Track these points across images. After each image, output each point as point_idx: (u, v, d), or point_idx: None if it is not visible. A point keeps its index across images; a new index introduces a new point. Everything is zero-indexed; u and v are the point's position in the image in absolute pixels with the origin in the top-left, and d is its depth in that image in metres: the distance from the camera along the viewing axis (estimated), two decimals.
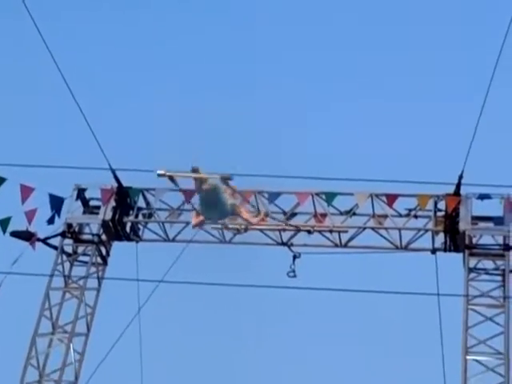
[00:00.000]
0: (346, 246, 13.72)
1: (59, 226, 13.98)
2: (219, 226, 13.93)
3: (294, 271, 13.33)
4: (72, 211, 14.10)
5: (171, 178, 11.14)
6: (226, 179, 11.08)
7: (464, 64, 20.86)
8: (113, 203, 14.05)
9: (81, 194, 14.23)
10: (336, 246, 13.72)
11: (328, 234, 13.71)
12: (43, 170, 12.06)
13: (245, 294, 12.03)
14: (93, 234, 14.06)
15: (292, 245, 13.78)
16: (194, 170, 11.23)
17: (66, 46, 20.36)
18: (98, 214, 14.07)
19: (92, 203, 14.33)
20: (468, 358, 12.39)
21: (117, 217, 14.03)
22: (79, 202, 14.25)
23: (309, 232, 13.60)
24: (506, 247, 12.83)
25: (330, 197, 13.65)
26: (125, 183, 14.12)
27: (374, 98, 21.28)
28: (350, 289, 10.75)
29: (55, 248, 13.95)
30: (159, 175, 10.88)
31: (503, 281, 12.75)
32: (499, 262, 12.89)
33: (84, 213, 14.24)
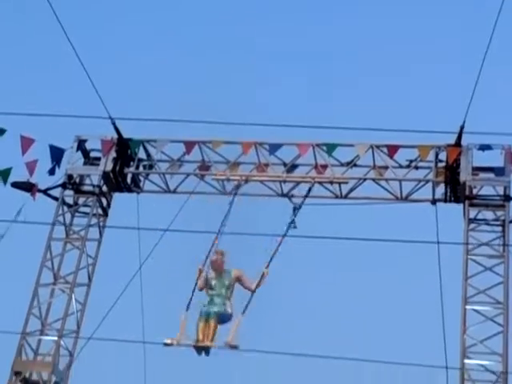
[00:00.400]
0: (346, 197, 13.74)
1: (60, 177, 14.04)
2: (221, 178, 13.98)
3: (294, 222, 13.40)
4: (73, 162, 14.11)
5: None
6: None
7: (465, 16, 20.68)
8: (113, 154, 14.06)
9: (81, 145, 14.23)
10: (336, 197, 13.75)
11: (328, 185, 13.73)
12: (43, 121, 12.08)
13: (247, 244, 12.11)
14: (93, 185, 14.08)
15: (293, 196, 13.83)
16: None
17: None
18: (98, 165, 14.08)
19: (92, 154, 14.33)
20: (467, 307, 12.47)
21: (117, 168, 14.05)
22: (80, 154, 14.25)
23: (309, 189, 13.54)
24: (507, 198, 12.83)
25: (330, 148, 13.63)
26: (125, 135, 14.11)
27: (375, 50, 21.16)
28: (350, 237, 10.82)
29: (56, 199, 13.98)
30: (165, 345, 11.35)
31: (503, 231, 12.78)
32: (499, 213, 12.90)
33: (85, 164, 14.27)
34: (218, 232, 12.32)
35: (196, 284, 12.00)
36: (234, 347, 11.34)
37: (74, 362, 13.10)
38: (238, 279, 12.00)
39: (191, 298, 11.93)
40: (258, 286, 11.83)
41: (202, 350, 11.55)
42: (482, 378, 12.20)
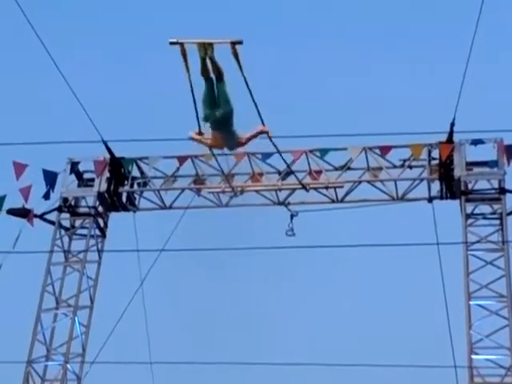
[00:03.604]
0: (342, 201, 13.73)
1: (55, 200, 14.01)
2: (216, 190, 13.97)
3: (292, 230, 13.40)
4: (67, 185, 14.11)
5: (182, 47, 9.99)
6: (236, 43, 10.04)
7: (451, 9, 20.70)
8: (107, 174, 14.05)
9: (74, 167, 14.22)
10: (333, 201, 13.73)
11: (324, 191, 13.71)
12: (35, 147, 12.06)
13: (247, 256, 12.09)
14: (89, 207, 14.06)
15: (289, 204, 13.82)
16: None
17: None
18: (92, 186, 14.08)
19: (86, 176, 14.34)
20: (471, 303, 12.45)
21: (112, 188, 14.04)
22: (73, 176, 14.26)
23: (305, 189, 13.57)
24: (502, 190, 12.84)
25: (323, 153, 13.65)
26: (117, 154, 14.11)
27: (357, 49, 21.14)
28: (348, 244, 10.81)
29: (52, 223, 13.96)
30: (171, 43, 9.96)
31: (501, 224, 12.78)
32: (496, 206, 12.90)
33: (79, 186, 14.26)
34: (215, 249, 12.20)
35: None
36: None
37: None
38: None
39: None
40: (250, 138, 10.83)
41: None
42: (491, 373, 12.18)
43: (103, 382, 12.85)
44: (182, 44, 9.83)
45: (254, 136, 10.81)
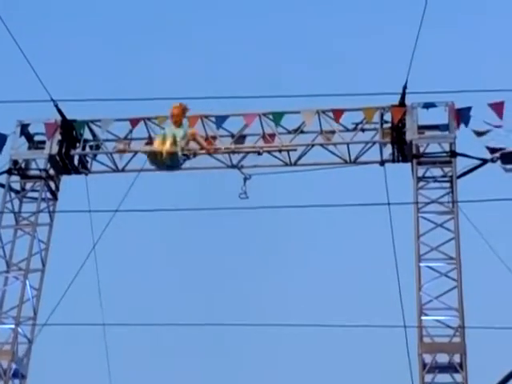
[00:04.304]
0: (295, 164, 13.76)
1: (4, 163, 13.82)
2: None
3: (245, 193, 13.41)
4: (17, 147, 13.91)
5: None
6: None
7: None
8: (58, 137, 13.88)
9: (24, 129, 14.00)
10: (286, 164, 13.76)
11: (277, 154, 13.73)
12: None
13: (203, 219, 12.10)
14: (40, 170, 13.88)
15: (242, 167, 13.80)
16: None
17: None
18: (43, 148, 13.88)
19: (37, 138, 14.13)
20: (421, 265, 12.58)
21: (63, 150, 13.86)
22: (23, 138, 14.04)
23: (258, 153, 13.58)
24: (453, 154, 12.95)
25: (277, 116, 13.64)
26: (69, 116, 13.94)
27: (314, 11, 21.08)
28: (300, 205, 10.85)
29: (2, 186, 13.76)
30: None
31: (451, 187, 12.91)
32: (447, 169, 13.01)
33: (29, 148, 14.05)
34: (169, 209, 12.22)
35: None
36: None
37: (33, 348, 12.99)
38: (193, 136, 12.69)
39: None
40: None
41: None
42: (439, 334, 12.37)
43: (55, 346, 12.77)
44: None
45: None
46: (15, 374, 12.79)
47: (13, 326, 12.89)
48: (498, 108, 12.66)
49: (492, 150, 13.03)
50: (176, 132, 12.68)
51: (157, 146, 12.24)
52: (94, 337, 12.95)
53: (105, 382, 13.06)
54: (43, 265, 13.49)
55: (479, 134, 12.89)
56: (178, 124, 12.78)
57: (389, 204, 11.98)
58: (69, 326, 11.63)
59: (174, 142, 12.15)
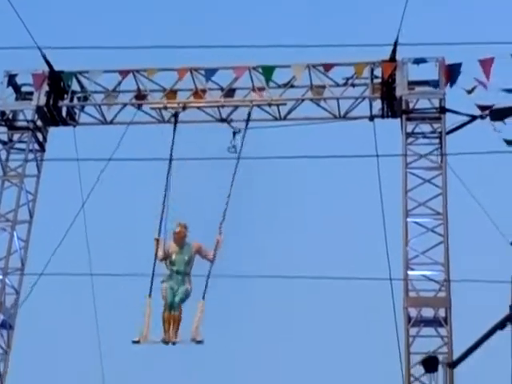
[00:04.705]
0: (285, 118, 13.73)
1: None
2: (158, 106, 13.82)
3: (234, 147, 13.39)
4: (4, 98, 13.81)
5: None
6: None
7: None
8: (46, 88, 13.79)
9: (12, 80, 13.88)
10: (276, 119, 13.73)
11: (267, 108, 13.68)
12: None
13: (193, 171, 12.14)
14: (28, 121, 13.81)
15: (232, 121, 13.76)
16: None
17: None
18: (31, 99, 13.80)
19: (24, 89, 14.01)
20: (408, 220, 12.66)
21: (51, 102, 13.77)
22: (11, 89, 13.93)
23: (248, 106, 13.49)
24: (442, 110, 12.95)
25: (267, 70, 13.57)
26: (57, 67, 13.82)
27: None
28: (291, 156, 10.86)
29: None
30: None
31: (440, 143, 12.93)
32: (436, 125, 13.02)
33: (17, 99, 13.96)
34: (160, 159, 12.23)
35: (155, 257, 11.99)
36: (199, 342, 11.65)
37: (21, 299, 13.03)
38: (198, 251, 12.14)
39: (152, 282, 11.89)
40: (215, 254, 11.97)
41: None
42: (425, 288, 12.48)
43: (44, 296, 12.81)
44: None
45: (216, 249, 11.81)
46: (3, 325, 12.84)
47: (0, 277, 12.90)
48: (486, 65, 12.62)
49: (481, 108, 13.03)
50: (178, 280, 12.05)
51: (166, 325, 11.91)
52: (82, 287, 12.98)
53: (92, 332, 13.14)
54: (31, 216, 13.48)
55: (469, 91, 12.86)
56: (181, 243, 12.15)
57: (377, 156, 12.01)
58: (57, 276, 11.65)
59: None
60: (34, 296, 12.96)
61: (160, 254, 11.99)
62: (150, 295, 11.88)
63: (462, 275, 11.92)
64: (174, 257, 11.99)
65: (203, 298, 11.85)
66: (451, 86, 13.03)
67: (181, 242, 12.10)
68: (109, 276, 11.41)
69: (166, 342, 11.75)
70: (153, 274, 11.94)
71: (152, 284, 11.91)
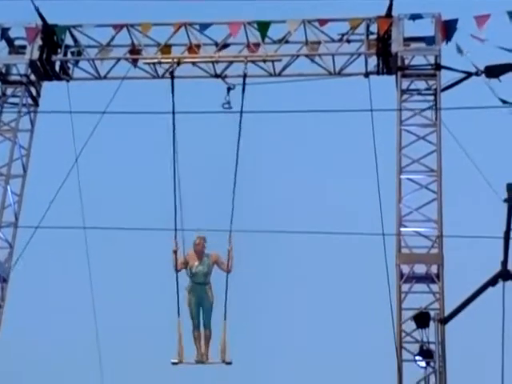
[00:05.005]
0: (280, 74, 13.66)
1: None
2: (152, 61, 13.73)
3: (229, 103, 13.31)
4: None
5: None
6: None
7: None
8: (39, 42, 13.68)
9: (4, 33, 13.75)
10: (270, 75, 13.66)
11: (262, 64, 13.60)
12: None
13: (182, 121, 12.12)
14: (21, 75, 13.70)
15: (226, 76, 13.68)
16: None
17: None
18: (24, 53, 13.69)
19: (17, 43, 13.90)
20: (402, 177, 12.66)
21: (44, 56, 13.67)
22: (4, 43, 13.82)
23: (242, 61, 13.40)
24: (438, 66, 12.88)
25: (262, 26, 13.46)
26: (50, 21, 13.70)
27: None
28: (282, 110, 10.82)
29: None
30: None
31: (435, 100, 12.89)
32: (431, 82, 12.97)
33: (10, 53, 13.85)
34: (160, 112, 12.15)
35: (176, 270, 12.41)
36: (229, 363, 12.37)
37: (16, 253, 13.05)
38: (216, 262, 12.69)
39: (178, 301, 12.31)
40: (231, 265, 12.49)
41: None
42: (418, 244, 12.52)
43: (37, 249, 12.85)
44: None
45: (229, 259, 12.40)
46: None
47: None
48: (481, 21, 12.54)
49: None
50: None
51: (197, 344, 12.65)
52: (76, 241, 13.01)
53: (86, 287, 13.20)
54: (24, 171, 13.45)
55: (460, 51, 12.78)
56: (200, 255, 12.62)
57: (371, 111, 11.97)
58: (50, 229, 11.66)
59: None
60: (27, 250, 13.00)
61: (179, 264, 12.50)
62: (178, 315, 12.38)
63: (454, 232, 11.97)
64: (194, 270, 12.61)
65: (225, 318, 12.38)
66: (447, 42, 12.97)
67: (200, 254, 12.66)
68: (102, 229, 11.43)
69: (200, 362, 12.52)
70: (177, 288, 12.42)
71: (178, 301, 12.37)
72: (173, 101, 12.83)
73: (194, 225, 12.23)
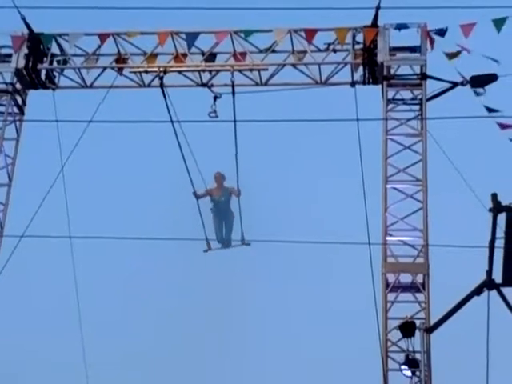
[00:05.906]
0: (266, 84, 13.69)
1: None
2: (138, 70, 13.73)
3: (215, 111, 13.34)
4: None
5: None
6: None
7: None
8: (25, 50, 13.65)
9: None
10: (257, 84, 13.68)
11: (248, 73, 13.63)
12: None
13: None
14: (6, 83, 13.67)
15: (212, 85, 13.70)
16: None
17: None
18: (10, 62, 13.65)
19: (3, 51, 13.84)
20: (388, 186, 12.70)
21: (30, 64, 13.65)
22: None
23: (229, 71, 13.43)
24: (423, 76, 12.95)
25: (248, 35, 13.49)
26: (36, 29, 13.69)
27: None
28: (272, 119, 10.84)
29: None
30: None
31: (420, 110, 12.94)
32: (416, 92, 13.03)
33: None
34: (141, 121, 12.19)
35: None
36: (247, 244, 14.67)
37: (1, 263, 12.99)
38: (232, 192, 15.11)
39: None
40: (239, 192, 14.74)
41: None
42: (404, 254, 12.54)
43: (24, 257, 12.80)
44: None
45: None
46: None
47: None
48: (467, 29, 12.61)
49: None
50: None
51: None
52: (61, 251, 12.97)
53: (72, 294, 13.16)
54: (10, 179, 13.40)
55: (450, 56, 12.84)
56: (220, 186, 15.17)
57: (357, 120, 12.01)
58: (36, 238, 11.62)
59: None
60: (13, 259, 12.94)
61: (201, 192, 14.81)
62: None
63: (440, 241, 12.01)
64: (217, 199, 15.21)
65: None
66: (432, 48, 13.01)
67: (220, 185, 15.17)
68: (88, 238, 11.39)
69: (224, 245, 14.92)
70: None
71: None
72: (168, 109, 13.01)
73: None
